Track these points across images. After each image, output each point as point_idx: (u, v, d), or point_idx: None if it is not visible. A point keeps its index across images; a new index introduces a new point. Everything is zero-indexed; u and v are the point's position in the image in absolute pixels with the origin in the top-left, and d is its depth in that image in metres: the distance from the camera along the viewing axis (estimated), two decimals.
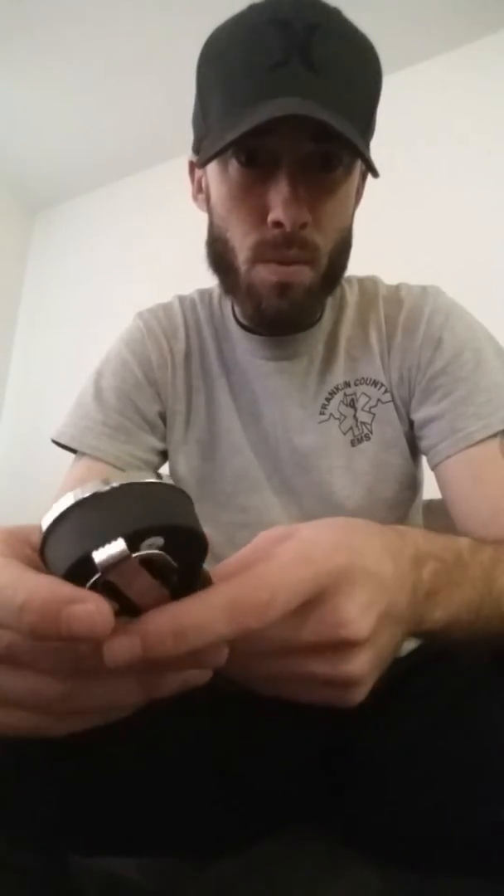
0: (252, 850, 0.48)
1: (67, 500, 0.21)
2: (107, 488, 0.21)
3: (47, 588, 0.20)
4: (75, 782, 0.41)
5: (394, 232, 1.64)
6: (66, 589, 0.20)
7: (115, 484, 0.21)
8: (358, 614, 0.26)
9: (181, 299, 0.73)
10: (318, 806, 0.50)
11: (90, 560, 0.20)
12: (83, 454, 0.62)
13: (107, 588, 0.21)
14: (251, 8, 0.52)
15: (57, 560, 0.21)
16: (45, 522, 0.22)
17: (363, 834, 0.46)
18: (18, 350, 2.49)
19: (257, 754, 0.49)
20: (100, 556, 0.20)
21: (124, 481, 0.21)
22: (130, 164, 2.32)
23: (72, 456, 0.64)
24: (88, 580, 0.20)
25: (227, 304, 0.70)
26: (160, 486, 0.22)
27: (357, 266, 0.64)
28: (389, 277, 0.71)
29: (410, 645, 0.59)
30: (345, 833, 0.48)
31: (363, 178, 0.62)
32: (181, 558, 0.22)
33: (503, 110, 1.70)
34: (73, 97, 2.04)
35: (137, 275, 2.20)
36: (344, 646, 0.26)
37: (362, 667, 0.27)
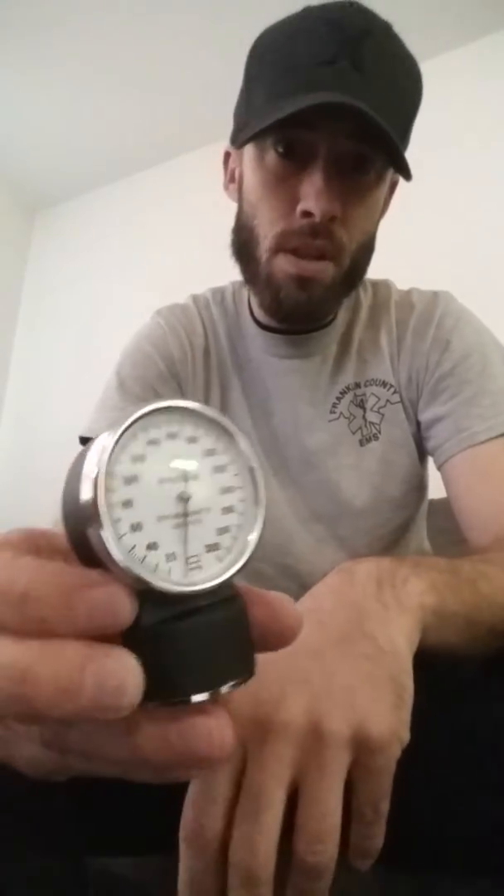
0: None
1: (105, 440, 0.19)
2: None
3: (52, 571, 0.17)
4: (74, 782, 0.41)
5: (391, 231, 1.64)
6: (77, 572, 0.17)
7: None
8: (274, 708, 0.26)
9: (195, 298, 0.73)
10: None
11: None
12: None
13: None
14: (305, 9, 0.52)
15: None
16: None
17: None
18: (18, 350, 2.49)
19: None
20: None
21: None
22: (130, 164, 2.32)
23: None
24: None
25: (242, 302, 0.70)
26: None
27: None
28: (386, 277, 0.72)
29: None
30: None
31: (391, 192, 0.63)
32: None
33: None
34: (74, 97, 2.04)
35: (137, 275, 2.20)
36: (277, 733, 0.26)
37: (322, 716, 0.26)
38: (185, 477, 0.20)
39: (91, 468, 0.18)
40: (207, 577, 0.19)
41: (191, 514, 0.20)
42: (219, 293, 0.73)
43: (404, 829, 0.41)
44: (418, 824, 0.39)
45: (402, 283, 0.72)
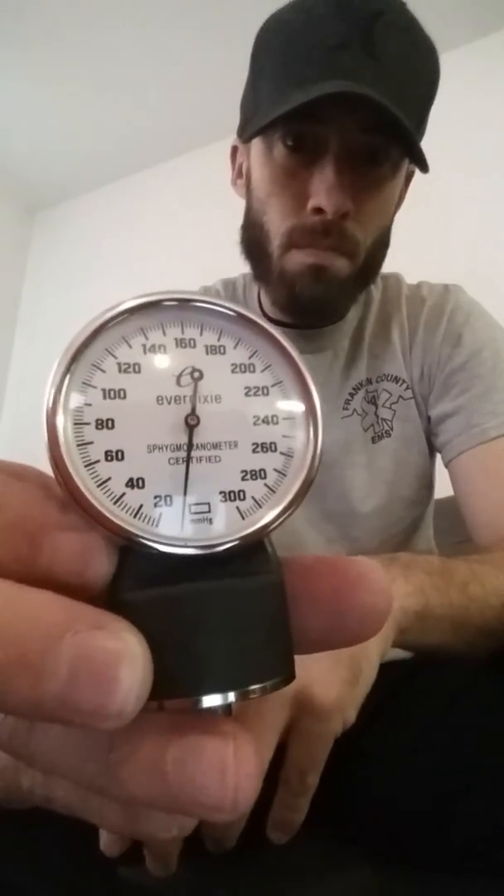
0: (251, 849, 0.48)
1: None
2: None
3: (20, 493, 0.13)
4: None
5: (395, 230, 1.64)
6: (52, 508, 0.13)
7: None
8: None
9: (206, 291, 0.73)
10: (318, 805, 0.50)
11: None
12: None
13: None
14: None
15: None
16: None
17: (363, 833, 0.46)
18: (18, 350, 2.49)
19: None
20: None
21: None
22: (130, 164, 2.31)
23: None
24: None
25: (253, 296, 0.69)
26: None
27: None
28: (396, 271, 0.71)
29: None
30: (344, 832, 0.48)
31: (406, 183, 0.62)
32: None
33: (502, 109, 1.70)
34: (74, 97, 2.03)
35: (137, 275, 2.20)
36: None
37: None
38: (197, 397, 0.15)
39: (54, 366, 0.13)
40: (217, 534, 0.14)
41: (200, 446, 0.15)
42: (230, 285, 0.72)
43: (404, 829, 0.41)
44: (418, 824, 0.39)
45: (408, 277, 0.71)
